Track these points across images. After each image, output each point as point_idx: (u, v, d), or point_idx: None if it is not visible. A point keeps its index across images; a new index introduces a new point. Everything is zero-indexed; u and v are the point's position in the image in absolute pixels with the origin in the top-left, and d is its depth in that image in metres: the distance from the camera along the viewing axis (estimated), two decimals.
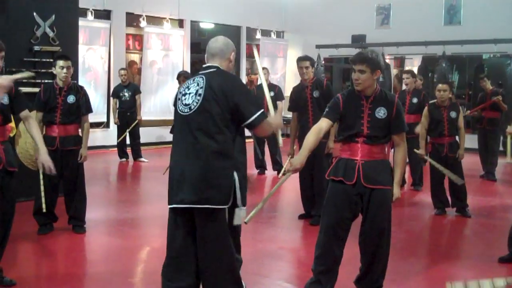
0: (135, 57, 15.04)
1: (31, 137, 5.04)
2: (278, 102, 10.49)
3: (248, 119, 3.78)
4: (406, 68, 15.75)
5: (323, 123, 4.52)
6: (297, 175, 7.52)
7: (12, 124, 6.30)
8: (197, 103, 3.73)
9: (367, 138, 4.41)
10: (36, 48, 8.11)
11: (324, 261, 4.53)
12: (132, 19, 14.69)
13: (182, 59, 15.32)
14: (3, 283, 4.91)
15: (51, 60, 7.88)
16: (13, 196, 4.89)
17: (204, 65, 3.94)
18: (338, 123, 4.60)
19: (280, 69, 17.71)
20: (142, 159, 12.14)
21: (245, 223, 4.16)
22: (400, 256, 5.78)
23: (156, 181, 9.99)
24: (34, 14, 8.10)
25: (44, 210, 6.19)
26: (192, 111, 3.74)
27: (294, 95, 7.39)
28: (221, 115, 3.73)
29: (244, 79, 17.29)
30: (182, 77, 8.49)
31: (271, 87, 10.67)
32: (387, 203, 4.44)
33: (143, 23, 14.53)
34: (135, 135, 12.08)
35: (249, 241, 6.67)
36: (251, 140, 10.93)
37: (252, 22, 17.28)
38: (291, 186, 9.76)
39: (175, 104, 3.96)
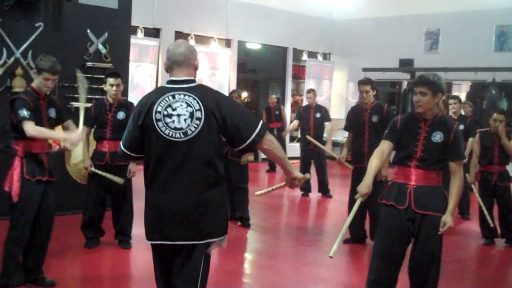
0: None
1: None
2: (326, 123, 10.54)
3: (247, 139, 3.31)
4: (454, 94, 15.54)
5: (384, 145, 4.53)
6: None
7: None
8: (196, 128, 3.25)
9: (420, 161, 4.35)
10: (89, 64, 8.26)
11: (378, 285, 4.48)
12: (180, 37, 14.82)
13: (228, 79, 15.41)
14: (44, 284, 5.15)
15: (103, 76, 8.03)
16: (53, 205, 5.15)
17: (173, 78, 3.39)
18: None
19: (325, 91, 17.66)
20: None
21: (330, 257, 4.20)
22: (448, 286, 5.65)
23: None
24: (88, 31, 8.26)
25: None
26: (189, 137, 3.25)
27: (352, 116, 7.35)
28: (220, 140, 3.37)
29: (289, 99, 17.29)
30: (236, 93, 8.49)
31: (318, 108, 10.79)
32: (438, 230, 4.35)
33: (191, 42, 14.67)
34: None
35: (294, 265, 6.63)
36: (297, 161, 10.93)
37: (299, 44, 17.31)
38: (336, 209, 9.70)
39: (141, 125, 3.34)
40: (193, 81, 3.39)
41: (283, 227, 8.36)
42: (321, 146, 9.60)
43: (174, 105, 3.27)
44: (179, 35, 14.67)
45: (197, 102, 3.27)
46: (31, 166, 4.91)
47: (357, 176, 7.03)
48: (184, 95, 3.29)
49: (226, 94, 14.58)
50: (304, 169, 10.56)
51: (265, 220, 8.74)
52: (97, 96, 7.91)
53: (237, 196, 8.02)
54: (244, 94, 16.81)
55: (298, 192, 10.80)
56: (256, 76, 17.61)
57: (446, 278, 5.75)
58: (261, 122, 3.37)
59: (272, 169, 14.05)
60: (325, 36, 17.95)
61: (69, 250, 6.36)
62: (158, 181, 3.31)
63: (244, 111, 3.47)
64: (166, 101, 3.29)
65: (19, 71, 7.63)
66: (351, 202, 7.17)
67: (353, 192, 7.18)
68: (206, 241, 3.33)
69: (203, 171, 3.28)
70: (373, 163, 4.44)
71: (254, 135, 3.30)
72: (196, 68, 3.45)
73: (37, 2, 7.71)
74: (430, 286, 4.44)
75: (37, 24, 7.81)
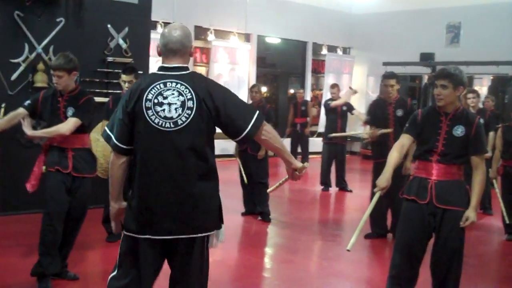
0: (202, 70, 15.17)
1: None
2: (353, 111, 10.84)
3: (243, 131, 3.19)
4: (475, 88, 15.39)
5: (404, 139, 4.50)
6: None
7: None
8: (187, 118, 3.11)
9: (441, 156, 4.31)
10: (109, 59, 8.29)
11: (399, 280, 4.46)
12: (200, 32, 14.86)
13: (248, 73, 15.41)
14: (67, 277, 5.25)
15: None
16: (84, 200, 5.15)
17: (165, 65, 3.26)
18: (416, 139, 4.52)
19: (345, 86, 17.51)
20: None
21: (348, 250, 4.14)
22: (470, 281, 5.61)
23: (220, 194, 10.04)
24: (108, 26, 8.30)
25: None
26: (180, 127, 3.11)
27: (375, 110, 7.24)
28: (212, 131, 3.23)
29: (309, 94, 17.23)
30: (256, 88, 8.49)
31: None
32: (459, 225, 4.31)
33: (210, 37, 14.69)
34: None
35: (315, 259, 6.63)
36: (319, 156, 10.93)
37: (319, 38, 17.25)
38: (356, 204, 9.66)
39: (130, 112, 3.20)
40: (186, 68, 3.25)
41: (304, 221, 8.34)
42: (351, 134, 9.63)
43: (165, 94, 3.14)
44: (199, 29, 14.70)
45: (189, 91, 3.14)
46: (52, 158, 5.01)
47: (380, 171, 6.98)
48: (176, 83, 3.16)
49: (246, 89, 14.65)
50: (328, 163, 10.62)
51: (285, 215, 8.74)
52: (118, 91, 7.95)
53: (257, 191, 8.02)
54: (264, 89, 16.78)
55: (318, 187, 10.80)
56: (276, 71, 17.57)
57: (468, 273, 5.70)
58: (257, 112, 3.24)
59: None
60: (345, 30, 17.86)
61: (91, 244, 6.40)
62: (146, 172, 3.16)
63: (239, 101, 3.29)
64: (157, 88, 3.15)
65: (40, 66, 7.70)
66: (373, 196, 7.11)
67: (375, 186, 7.13)
68: (198, 235, 3.19)
69: (193, 163, 3.13)
70: (393, 156, 4.42)
71: (250, 126, 3.17)
72: (191, 54, 3.32)
73: None
74: (452, 281, 4.40)
75: (58, 19, 7.87)
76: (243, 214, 8.22)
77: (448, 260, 4.36)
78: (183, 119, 3.11)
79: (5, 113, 7.23)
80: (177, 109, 3.11)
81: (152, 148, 3.14)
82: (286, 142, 14.68)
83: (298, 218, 8.58)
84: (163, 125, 3.11)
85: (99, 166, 7.75)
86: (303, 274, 5.93)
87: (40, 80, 7.64)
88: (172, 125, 3.11)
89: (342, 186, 10.79)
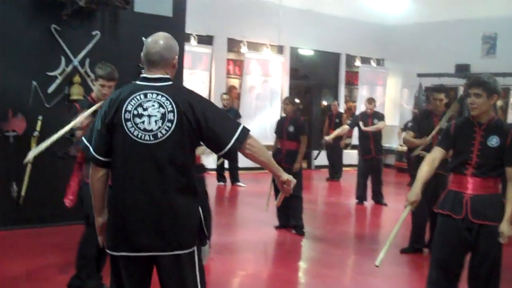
0: (235, 82, 15.21)
1: None
2: (381, 122, 10.67)
3: (225, 146, 3.08)
4: None
5: (436, 152, 4.43)
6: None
7: None
8: (167, 131, 3.01)
9: (476, 168, 4.21)
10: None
11: None
12: (233, 44, 14.91)
13: (281, 85, 15.39)
14: None
15: None
16: None
17: (146, 75, 3.13)
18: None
19: (379, 98, 17.36)
20: (240, 183, 12.21)
21: (377, 266, 4.10)
22: None
23: (253, 206, 10.02)
24: (143, 39, 8.35)
25: None
26: (160, 140, 3.01)
27: (421, 119, 7.11)
28: (193, 145, 3.12)
29: (342, 106, 17.11)
30: (288, 100, 8.50)
31: (375, 115, 10.84)
32: (497, 240, 4.20)
33: (243, 49, 14.73)
34: (233, 159, 12.14)
35: (350, 274, 6.54)
36: (352, 168, 10.83)
37: (352, 49, 17.16)
38: (392, 218, 9.54)
39: (108, 123, 3.08)
40: (168, 79, 3.14)
41: (338, 235, 8.25)
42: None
43: (145, 105, 3.02)
44: (232, 42, 14.75)
45: (170, 103, 3.02)
46: (89, 169, 5.01)
47: None
48: (157, 94, 3.05)
49: (279, 101, 14.62)
50: (364, 177, 10.50)
51: (320, 229, 8.66)
52: None
53: (291, 204, 7.95)
54: (296, 101, 16.73)
55: (353, 201, 10.70)
56: (309, 83, 17.50)
57: None
58: (241, 126, 3.13)
59: (331, 177, 13.95)
60: (379, 42, 17.71)
61: None
62: (124, 186, 3.07)
63: (222, 114, 3.20)
64: (137, 99, 3.03)
65: (77, 78, 7.78)
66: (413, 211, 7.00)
67: None
68: (176, 252, 3.06)
69: (173, 177, 3.03)
70: (423, 170, 4.35)
71: (233, 140, 3.07)
72: (174, 66, 3.22)
73: (94, 10, 7.84)
74: None
75: (94, 33, 7.96)
76: (276, 228, 8.17)
77: (485, 277, 4.27)
78: (163, 131, 3.01)
79: (42, 126, 7.35)
80: (157, 122, 3.01)
81: (131, 161, 3.04)
82: (322, 154, 14.62)
83: (333, 232, 8.49)
84: (143, 137, 3.01)
85: None
86: None
87: (76, 92, 7.72)
88: (151, 138, 3.01)
89: (378, 199, 10.65)
